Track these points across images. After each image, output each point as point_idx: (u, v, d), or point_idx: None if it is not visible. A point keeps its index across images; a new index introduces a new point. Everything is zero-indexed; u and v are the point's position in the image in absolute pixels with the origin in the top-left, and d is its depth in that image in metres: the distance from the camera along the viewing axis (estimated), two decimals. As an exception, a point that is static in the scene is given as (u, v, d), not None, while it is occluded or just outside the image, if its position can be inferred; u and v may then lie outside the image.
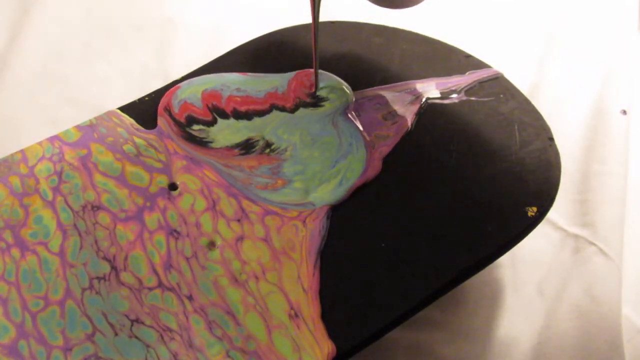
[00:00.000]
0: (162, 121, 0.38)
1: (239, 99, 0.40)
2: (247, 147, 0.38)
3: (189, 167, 0.36)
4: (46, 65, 0.50)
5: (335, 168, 0.37)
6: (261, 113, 0.39)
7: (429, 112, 0.39)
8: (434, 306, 0.34)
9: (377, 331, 0.32)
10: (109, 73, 0.50)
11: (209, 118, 0.39)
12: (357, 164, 0.37)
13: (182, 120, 0.38)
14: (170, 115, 0.38)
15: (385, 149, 0.38)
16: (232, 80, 0.40)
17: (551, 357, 0.41)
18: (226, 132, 0.38)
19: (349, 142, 0.38)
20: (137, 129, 0.38)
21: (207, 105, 0.39)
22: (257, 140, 0.38)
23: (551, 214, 0.43)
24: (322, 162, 0.37)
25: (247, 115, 0.39)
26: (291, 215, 0.35)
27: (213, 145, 0.38)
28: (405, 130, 0.38)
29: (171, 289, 0.33)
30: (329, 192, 0.36)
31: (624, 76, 0.51)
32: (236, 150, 0.38)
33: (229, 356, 0.31)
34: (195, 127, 0.38)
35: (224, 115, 0.39)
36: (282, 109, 0.39)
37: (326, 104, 0.39)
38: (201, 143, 0.38)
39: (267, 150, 0.38)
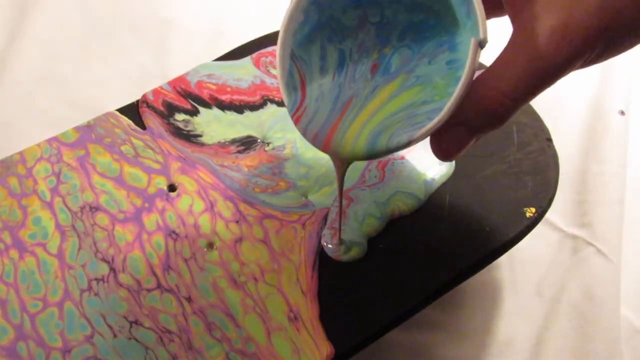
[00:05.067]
0: (146, 117, 0.38)
1: (213, 86, 0.39)
2: (244, 144, 0.38)
3: (184, 169, 0.36)
4: (44, 67, 0.50)
5: None
6: (252, 106, 0.39)
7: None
8: (432, 307, 0.34)
9: (376, 332, 0.32)
10: (107, 74, 0.50)
11: (187, 106, 0.38)
12: (363, 162, 0.37)
13: (162, 109, 0.38)
14: (148, 105, 0.38)
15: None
16: (198, 65, 0.40)
17: (550, 358, 0.41)
18: (215, 126, 0.38)
19: None
20: (134, 130, 0.38)
21: (176, 90, 0.39)
22: (256, 138, 0.38)
23: (549, 215, 0.43)
24: (328, 163, 0.36)
25: (235, 108, 0.39)
26: (291, 219, 0.35)
27: (203, 139, 0.37)
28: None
29: (170, 291, 0.33)
30: (332, 196, 0.36)
31: (622, 77, 0.51)
32: (232, 147, 0.37)
33: (228, 358, 0.31)
34: (178, 117, 0.38)
35: (204, 103, 0.39)
36: (281, 104, 0.39)
37: None
38: (189, 137, 0.37)
39: (262, 144, 0.37)
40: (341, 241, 0.34)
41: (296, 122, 0.27)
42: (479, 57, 0.24)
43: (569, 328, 0.42)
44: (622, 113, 0.49)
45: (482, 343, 0.41)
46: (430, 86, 0.27)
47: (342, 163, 0.29)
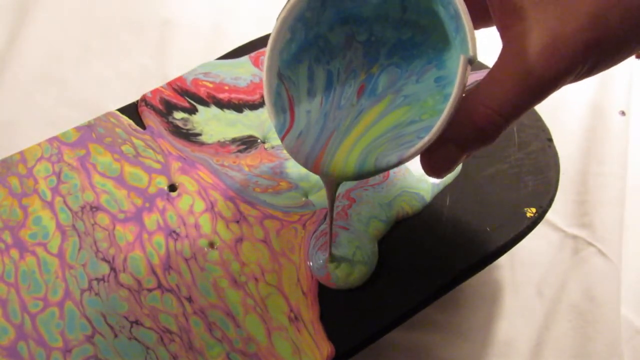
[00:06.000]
0: (145, 115, 0.38)
1: (210, 84, 0.39)
2: (244, 143, 0.37)
3: (184, 169, 0.36)
4: (45, 67, 0.50)
5: None
6: (252, 105, 0.39)
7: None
8: (433, 307, 0.34)
9: (376, 332, 0.32)
10: (108, 74, 0.50)
11: (185, 104, 0.38)
12: None
13: (160, 107, 0.38)
14: (147, 104, 0.38)
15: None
16: (197, 65, 0.40)
17: (550, 358, 0.41)
18: (214, 124, 0.38)
19: None
20: (134, 130, 0.38)
21: (173, 88, 0.39)
22: (257, 138, 0.38)
23: (550, 215, 0.43)
24: None
25: (234, 106, 0.39)
26: (292, 219, 0.35)
27: (203, 138, 0.37)
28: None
29: (170, 291, 0.33)
30: None
31: (622, 77, 0.51)
32: (232, 147, 0.37)
33: (229, 358, 0.31)
34: (177, 115, 0.38)
35: (202, 101, 0.39)
36: None
37: None
38: (188, 136, 0.37)
39: (263, 143, 0.37)
40: (332, 257, 0.33)
41: (286, 144, 0.27)
42: (468, 74, 0.24)
43: (569, 328, 0.42)
44: (623, 113, 0.49)
45: (482, 343, 0.41)
46: (418, 105, 0.26)
47: (332, 183, 0.29)
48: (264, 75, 0.27)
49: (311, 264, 0.33)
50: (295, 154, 0.27)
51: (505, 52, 0.25)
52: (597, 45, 0.23)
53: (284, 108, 0.27)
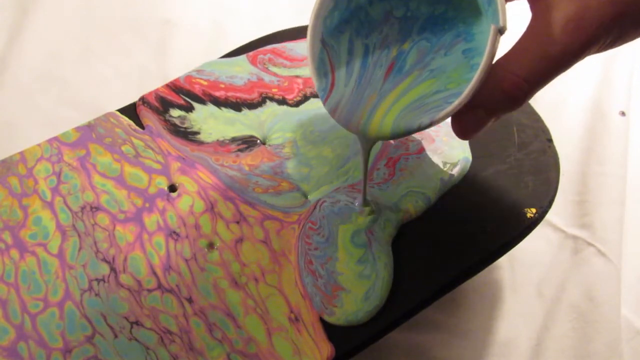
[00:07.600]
0: (143, 114, 0.38)
1: (204, 82, 0.39)
2: (245, 142, 0.37)
3: (183, 169, 0.36)
4: (45, 67, 0.50)
5: (344, 167, 0.36)
6: (251, 104, 0.39)
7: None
8: (433, 307, 0.34)
9: (377, 332, 0.32)
10: (108, 75, 0.50)
11: (181, 101, 0.38)
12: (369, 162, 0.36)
13: (157, 104, 0.38)
14: (144, 102, 0.38)
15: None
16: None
17: (550, 358, 0.41)
18: (212, 123, 0.38)
19: None
20: (134, 130, 0.38)
21: (168, 85, 0.39)
22: (257, 138, 0.38)
23: (550, 215, 0.43)
24: (331, 162, 0.36)
25: (232, 105, 0.38)
26: (291, 220, 0.35)
27: (201, 137, 0.37)
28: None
29: (171, 291, 0.33)
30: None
31: (622, 78, 0.51)
32: (232, 146, 0.37)
33: (229, 359, 0.31)
34: (174, 113, 0.38)
35: (197, 99, 0.38)
36: (281, 102, 0.39)
37: None
38: (187, 135, 0.37)
39: (263, 143, 0.37)
40: (366, 202, 0.34)
41: (328, 107, 0.29)
42: (498, 43, 0.26)
43: (569, 328, 0.42)
44: (623, 114, 0.49)
45: (482, 343, 0.41)
46: (444, 76, 0.28)
47: (369, 142, 0.31)
48: (307, 39, 0.29)
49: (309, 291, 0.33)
50: (336, 116, 0.29)
51: (533, 23, 0.26)
52: (621, 18, 0.24)
53: (326, 73, 0.30)
